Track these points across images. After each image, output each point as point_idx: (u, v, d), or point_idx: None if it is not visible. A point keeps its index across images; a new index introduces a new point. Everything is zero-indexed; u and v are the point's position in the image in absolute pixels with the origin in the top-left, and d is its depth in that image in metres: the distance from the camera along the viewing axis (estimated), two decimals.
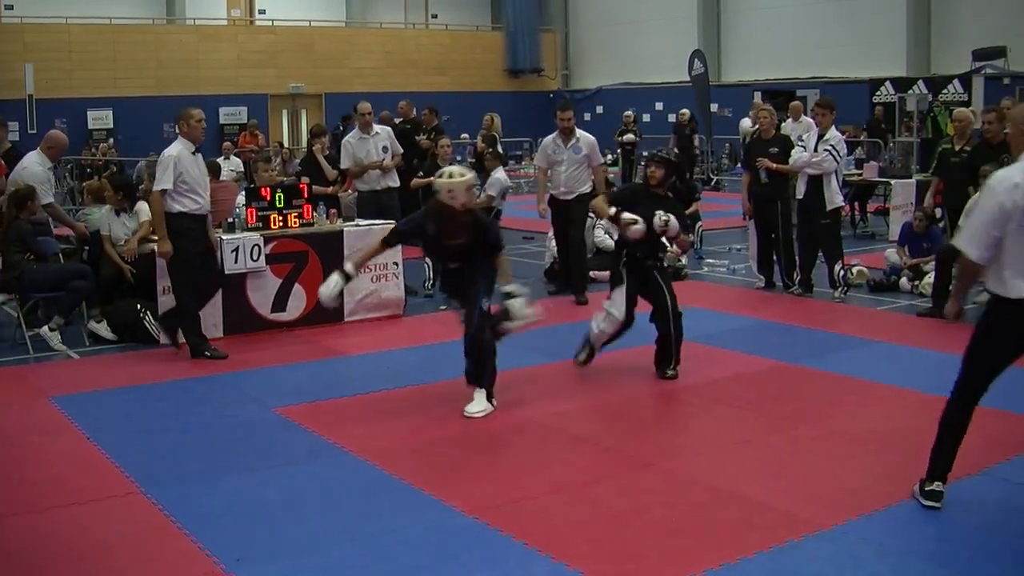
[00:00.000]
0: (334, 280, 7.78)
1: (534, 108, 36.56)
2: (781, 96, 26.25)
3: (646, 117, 31.76)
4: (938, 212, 12.73)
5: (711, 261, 14.96)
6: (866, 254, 14.77)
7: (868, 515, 5.75)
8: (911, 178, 17.50)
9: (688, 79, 30.10)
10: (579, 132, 12.52)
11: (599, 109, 36.52)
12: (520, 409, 7.95)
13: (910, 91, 26.88)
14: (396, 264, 11.44)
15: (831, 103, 12.22)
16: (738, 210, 13.49)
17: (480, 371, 7.96)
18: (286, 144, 30.22)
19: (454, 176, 7.79)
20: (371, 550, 5.41)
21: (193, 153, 9.67)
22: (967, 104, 21.96)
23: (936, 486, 5.73)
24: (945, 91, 26.15)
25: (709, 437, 7.39)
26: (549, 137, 12.69)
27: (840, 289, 12.08)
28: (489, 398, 7.96)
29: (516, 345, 9.95)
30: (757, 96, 27.30)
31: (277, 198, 10.86)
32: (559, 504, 6.05)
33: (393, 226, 8.71)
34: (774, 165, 12.12)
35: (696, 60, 29.71)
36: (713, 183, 26.78)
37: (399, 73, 35.07)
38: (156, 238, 10.14)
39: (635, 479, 6.45)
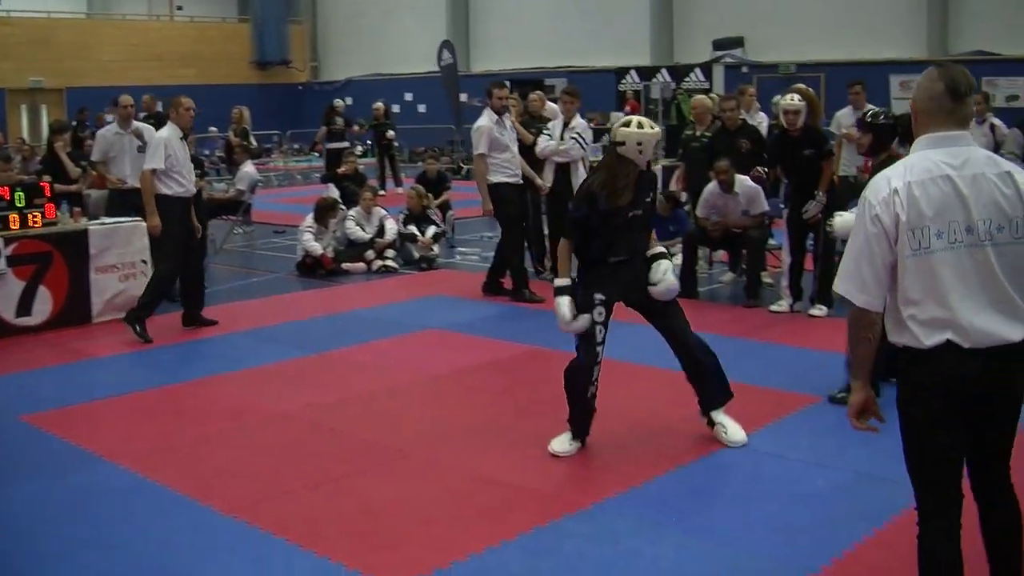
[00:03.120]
0: (564, 303, 6.47)
1: (282, 100, 36.23)
2: (529, 86, 26.67)
3: (396, 107, 31.69)
4: (683, 196, 13.14)
5: (463, 250, 15.08)
6: None
7: (625, 492, 5.91)
8: (656, 163, 18.05)
9: (437, 69, 30.28)
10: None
11: (348, 100, 36.36)
12: (275, 403, 7.83)
13: (654, 79, 27.85)
14: (144, 262, 11.12)
15: (577, 91, 12.47)
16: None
17: None
18: (28, 141, 29.00)
19: (644, 127, 6.32)
20: (129, 556, 5.26)
21: (181, 139, 10.22)
22: (709, 92, 22.86)
23: None
24: (688, 79, 27.25)
25: (466, 424, 7.39)
26: (488, 121, 11.52)
27: None
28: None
29: (271, 340, 9.84)
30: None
31: (17, 198, 10.40)
32: (320, 499, 6.01)
33: (568, 219, 6.72)
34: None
35: (445, 50, 29.91)
36: (464, 172, 26.97)
37: (144, 66, 34.15)
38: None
39: (394, 469, 6.46)
